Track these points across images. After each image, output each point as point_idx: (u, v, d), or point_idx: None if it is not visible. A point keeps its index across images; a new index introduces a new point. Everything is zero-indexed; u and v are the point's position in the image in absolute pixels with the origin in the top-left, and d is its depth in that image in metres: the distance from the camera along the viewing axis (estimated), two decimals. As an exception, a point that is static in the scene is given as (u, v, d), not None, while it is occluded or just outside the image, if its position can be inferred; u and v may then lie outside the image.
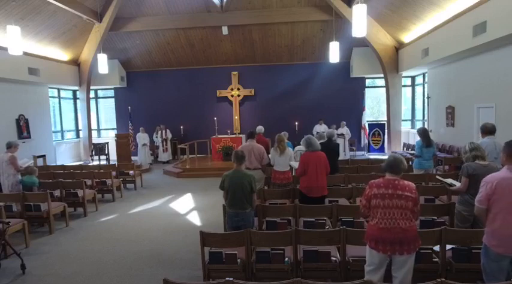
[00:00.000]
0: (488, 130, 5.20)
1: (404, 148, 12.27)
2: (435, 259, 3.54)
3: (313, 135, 6.57)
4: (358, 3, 6.45)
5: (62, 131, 14.45)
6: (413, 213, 3.09)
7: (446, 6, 8.47)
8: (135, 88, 15.29)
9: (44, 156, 11.63)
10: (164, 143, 14.11)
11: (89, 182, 8.31)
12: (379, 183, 3.12)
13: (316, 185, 5.06)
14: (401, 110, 13.37)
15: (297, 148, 7.10)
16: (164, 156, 14.20)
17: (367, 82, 14.76)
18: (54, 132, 13.62)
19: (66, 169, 9.54)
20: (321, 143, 6.24)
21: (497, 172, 3.02)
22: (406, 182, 3.10)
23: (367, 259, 3.23)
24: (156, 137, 14.16)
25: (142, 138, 13.63)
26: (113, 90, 15.58)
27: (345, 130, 13.13)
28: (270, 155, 6.44)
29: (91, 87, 14.33)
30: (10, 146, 6.71)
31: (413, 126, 13.75)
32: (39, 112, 12.27)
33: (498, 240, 2.86)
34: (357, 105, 14.29)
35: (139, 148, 13.71)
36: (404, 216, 3.03)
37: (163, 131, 14.08)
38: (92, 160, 13.31)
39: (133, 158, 12.78)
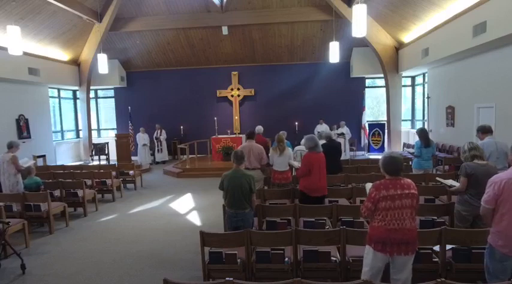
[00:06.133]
0: (487, 130, 5.21)
1: (404, 148, 12.27)
2: (435, 259, 3.53)
3: (314, 134, 6.56)
4: (358, 3, 6.45)
5: (62, 131, 14.45)
6: (416, 210, 3.11)
7: (446, 6, 8.47)
8: (135, 88, 15.29)
9: (44, 156, 11.63)
10: (158, 143, 14.10)
11: (89, 182, 8.31)
12: (386, 185, 3.04)
13: (320, 185, 5.10)
14: (401, 110, 13.37)
15: (297, 148, 7.09)
16: (159, 156, 14.18)
17: (367, 82, 14.76)
18: (54, 132, 13.62)
19: (66, 169, 9.53)
20: (323, 143, 6.26)
21: (504, 172, 2.98)
22: (407, 180, 3.11)
23: (368, 263, 3.13)
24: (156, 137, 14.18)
25: (142, 138, 13.64)
26: (113, 90, 15.58)
27: (345, 130, 13.13)
28: (269, 155, 6.43)
29: (91, 87, 14.34)
30: (11, 146, 6.71)
31: (413, 126, 13.75)
32: (39, 112, 12.27)
33: (504, 240, 2.85)
34: (357, 105, 14.28)
35: (139, 148, 13.72)
36: (411, 215, 3.04)
37: (159, 131, 14.08)
38: (92, 160, 13.31)
39: (133, 158, 12.78)
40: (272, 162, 6.26)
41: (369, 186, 3.57)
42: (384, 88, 13.36)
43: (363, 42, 12.34)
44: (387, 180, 3.08)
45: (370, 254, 3.11)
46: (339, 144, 7.04)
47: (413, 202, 3.03)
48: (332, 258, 3.62)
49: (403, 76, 13.27)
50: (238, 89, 14.75)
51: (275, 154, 6.14)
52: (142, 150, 13.67)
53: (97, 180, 8.48)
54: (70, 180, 7.98)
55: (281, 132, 6.57)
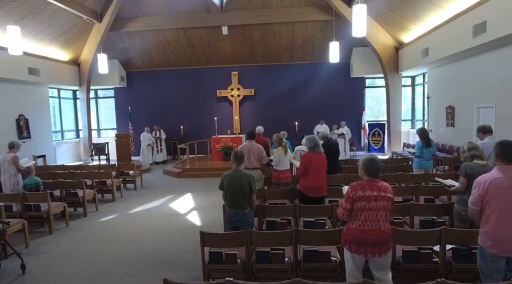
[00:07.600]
0: (488, 130, 5.21)
1: (404, 148, 12.28)
2: (435, 259, 3.54)
3: (314, 134, 6.58)
4: (358, 3, 6.45)
5: (62, 131, 14.44)
6: (390, 213, 3.16)
7: (446, 6, 8.47)
8: (135, 88, 15.29)
9: (44, 156, 11.64)
10: (159, 143, 14.10)
11: (89, 182, 8.31)
12: (363, 185, 3.08)
13: (318, 185, 5.07)
14: (401, 110, 13.37)
15: (297, 148, 7.09)
16: (158, 156, 14.19)
17: (367, 82, 14.76)
18: (54, 132, 13.62)
19: (66, 169, 9.53)
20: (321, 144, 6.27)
21: (488, 172, 3.01)
22: (384, 183, 3.15)
23: (349, 266, 3.18)
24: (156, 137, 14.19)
25: (147, 138, 13.67)
26: (113, 90, 15.58)
27: (345, 130, 13.14)
28: (273, 155, 6.43)
29: (91, 87, 14.34)
30: (13, 146, 6.73)
31: (413, 126, 13.75)
32: (39, 112, 12.27)
33: (493, 241, 2.85)
34: (357, 105, 14.28)
35: (142, 148, 13.73)
36: (385, 217, 3.08)
37: (157, 131, 14.09)
38: (92, 160, 13.31)
39: (134, 158, 12.78)
40: (277, 163, 6.25)
41: (346, 188, 3.59)
42: (384, 88, 13.35)
43: (363, 42, 12.34)
44: (364, 181, 3.11)
45: (347, 256, 3.17)
46: (336, 143, 7.06)
47: (388, 204, 3.07)
48: (332, 258, 3.62)
49: (403, 77, 13.26)
50: (238, 89, 14.75)
51: (281, 154, 6.14)
52: (146, 149, 13.68)
53: (97, 180, 8.48)
54: (70, 180, 7.97)
55: (281, 132, 6.58)
